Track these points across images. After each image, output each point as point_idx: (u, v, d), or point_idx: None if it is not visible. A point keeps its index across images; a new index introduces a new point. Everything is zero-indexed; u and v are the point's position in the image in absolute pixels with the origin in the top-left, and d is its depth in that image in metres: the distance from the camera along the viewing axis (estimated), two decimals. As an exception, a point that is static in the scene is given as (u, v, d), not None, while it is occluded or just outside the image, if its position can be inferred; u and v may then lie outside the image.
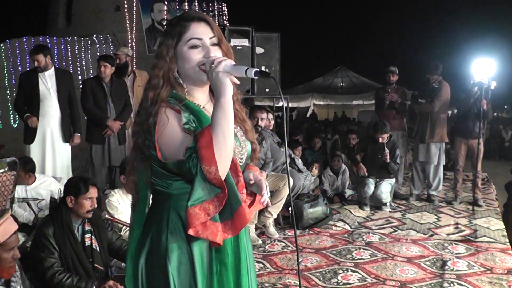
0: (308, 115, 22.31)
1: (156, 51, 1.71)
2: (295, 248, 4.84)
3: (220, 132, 1.53)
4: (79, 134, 5.76)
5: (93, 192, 3.36)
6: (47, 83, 5.51)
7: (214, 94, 1.60)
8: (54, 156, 5.56)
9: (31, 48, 5.94)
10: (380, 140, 6.33)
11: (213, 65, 1.59)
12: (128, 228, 3.92)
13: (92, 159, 5.80)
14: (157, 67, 1.67)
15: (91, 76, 8.33)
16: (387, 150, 6.25)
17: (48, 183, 4.96)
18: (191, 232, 1.56)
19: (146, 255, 1.68)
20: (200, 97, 1.75)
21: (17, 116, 6.40)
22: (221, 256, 1.69)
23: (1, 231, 2.29)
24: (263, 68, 6.64)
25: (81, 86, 6.08)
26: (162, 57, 1.67)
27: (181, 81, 1.70)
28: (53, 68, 5.61)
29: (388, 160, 6.27)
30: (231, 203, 1.59)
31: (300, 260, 4.46)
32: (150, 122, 1.60)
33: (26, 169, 4.68)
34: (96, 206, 3.42)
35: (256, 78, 1.62)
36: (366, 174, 6.42)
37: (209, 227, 1.57)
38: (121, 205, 4.12)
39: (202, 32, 1.69)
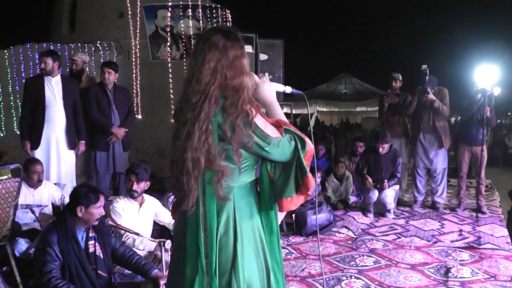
0: (312, 122, 22.32)
1: (246, 71, 1.92)
2: (298, 255, 4.84)
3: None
4: (84, 142, 5.74)
5: (102, 201, 3.38)
6: (53, 89, 5.48)
7: (270, 99, 2.04)
8: (59, 163, 5.52)
9: (35, 54, 5.94)
10: (381, 150, 6.32)
11: (265, 78, 2.08)
12: (129, 235, 3.92)
13: (96, 166, 5.81)
14: (249, 91, 1.92)
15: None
16: (386, 181, 6.24)
17: (51, 190, 4.98)
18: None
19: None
20: None
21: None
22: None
23: None
24: (266, 75, 6.64)
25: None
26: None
27: None
28: (59, 75, 5.59)
29: (388, 187, 6.27)
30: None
31: (303, 267, 4.46)
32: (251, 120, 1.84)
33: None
34: (104, 213, 3.43)
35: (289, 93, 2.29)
36: (372, 185, 6.36)
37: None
38: (125, 212, 4.11)
39: None
